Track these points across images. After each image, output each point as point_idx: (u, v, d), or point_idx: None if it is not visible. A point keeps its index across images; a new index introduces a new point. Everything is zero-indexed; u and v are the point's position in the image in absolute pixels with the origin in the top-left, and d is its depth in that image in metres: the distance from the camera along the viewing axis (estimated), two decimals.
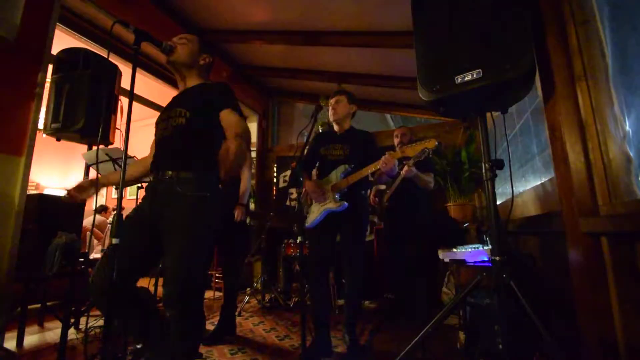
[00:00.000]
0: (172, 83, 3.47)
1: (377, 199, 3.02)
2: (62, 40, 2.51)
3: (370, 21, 3.08)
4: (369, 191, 2.58)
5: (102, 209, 5.15)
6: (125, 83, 1.93)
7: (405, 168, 2.25)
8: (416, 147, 1.87)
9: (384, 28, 3.13)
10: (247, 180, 2.42)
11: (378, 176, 2.12)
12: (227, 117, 1.30)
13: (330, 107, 2.14)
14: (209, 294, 3.69)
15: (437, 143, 1.87)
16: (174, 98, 1.50)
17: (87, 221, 4.32)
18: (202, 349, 2.00)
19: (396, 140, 2.99)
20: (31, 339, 2.22)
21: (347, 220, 1.99)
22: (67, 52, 2.09)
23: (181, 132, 1.34)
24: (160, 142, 1.40)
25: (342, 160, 2.04)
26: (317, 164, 2.21)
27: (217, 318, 2.35)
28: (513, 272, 1.16)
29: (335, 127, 2.18)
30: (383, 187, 3.11)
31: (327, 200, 1.99)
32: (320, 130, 4.13)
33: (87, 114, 1.96)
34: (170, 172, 1.31)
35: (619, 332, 0.97)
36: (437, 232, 3.22)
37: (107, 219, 4.98)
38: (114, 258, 1.09)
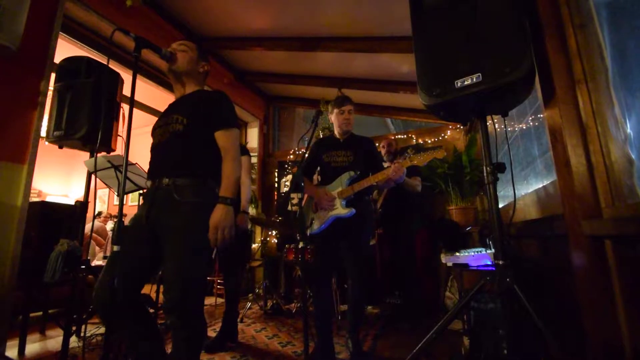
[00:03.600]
0: (172, 89, 3.48)
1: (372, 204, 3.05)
2: (65, 48, 2.54)
3: (369, 26, 3.10)
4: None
5: (97, 214, 5.17)
6: (126, 90, 1.95)
7: None
8: (426, 156, 1.89)
9: (383, 33, 3.14)
10: (247, 188, 2.43)
11: (384, 182, 2.12)
12: (220, 138, 1.37)
13: (342, 117, 2.10)
14: (210, 301, 3.68)
15: (445, 154, 1.95)
16: (171, 104, 1.51)
17: (88, 227, 4.33)
18: (204, 357, 1.99)
19: (383, 151, 3.06)
20: (33, 347, 2.21)
21: (352, 225, 1.98)
22: (70, 61, 2.11)
23: (178, 138, 1.35)
24: (156, 148, 1.41)
25: (347, 167, 2.03)
26: (319, 170, 2.21)
27: (219, 325, 2.34)
28: (516, 275, 1.16)
29: (337, 134, 2.17)
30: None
31: (334, 207, 1.99)
32: (321, 136, 4.14)
33: (89, 122, 1.98)
34: (167, 180, 1.30)
35: (624, 335, 0.96)
36: (437, 235, 3.23)
37: (104, 224, 4.99)
38: (115, 265, 1.09)
